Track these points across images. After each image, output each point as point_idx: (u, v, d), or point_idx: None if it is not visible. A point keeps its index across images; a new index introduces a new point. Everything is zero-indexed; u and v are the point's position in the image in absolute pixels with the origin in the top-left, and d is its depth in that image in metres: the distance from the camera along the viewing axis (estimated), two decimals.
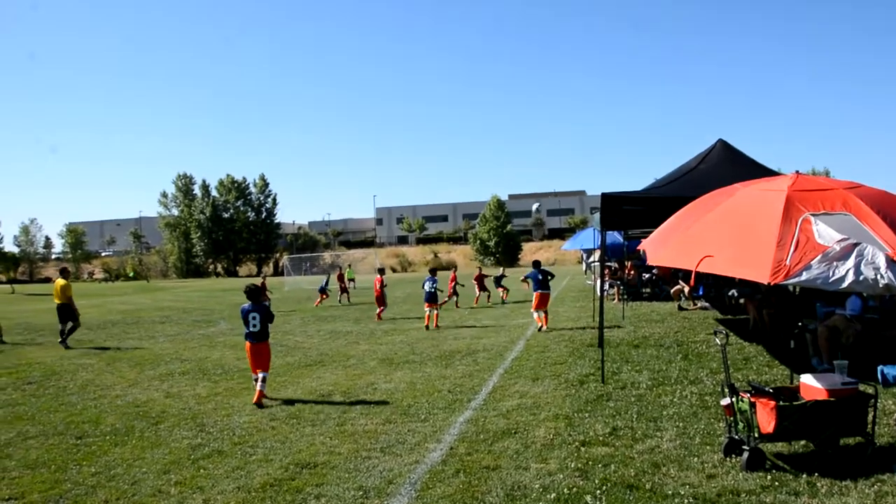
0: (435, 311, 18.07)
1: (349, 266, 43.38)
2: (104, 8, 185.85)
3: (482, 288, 25.82)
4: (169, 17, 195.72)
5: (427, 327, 17.65)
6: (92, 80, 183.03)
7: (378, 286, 21.11)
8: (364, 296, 31.22)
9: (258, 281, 25.86)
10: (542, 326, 15.90)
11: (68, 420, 8.74)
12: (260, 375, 9.39)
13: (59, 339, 16.66)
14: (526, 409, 8.20)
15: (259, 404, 9.07)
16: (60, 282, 17.21)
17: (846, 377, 5.98)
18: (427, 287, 18.43)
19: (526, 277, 17.60)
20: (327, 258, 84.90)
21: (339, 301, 29.36)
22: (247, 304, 9.69)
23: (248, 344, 9.66)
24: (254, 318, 9.54)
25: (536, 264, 16.99)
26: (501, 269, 32.38)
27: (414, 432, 7.40)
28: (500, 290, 26.88)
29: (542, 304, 16.19)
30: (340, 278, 30.85)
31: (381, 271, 22.61)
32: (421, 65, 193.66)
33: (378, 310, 20.92)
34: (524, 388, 9.45)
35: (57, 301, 16.87)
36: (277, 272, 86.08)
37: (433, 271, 19.56)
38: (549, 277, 16.56)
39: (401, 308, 23.57)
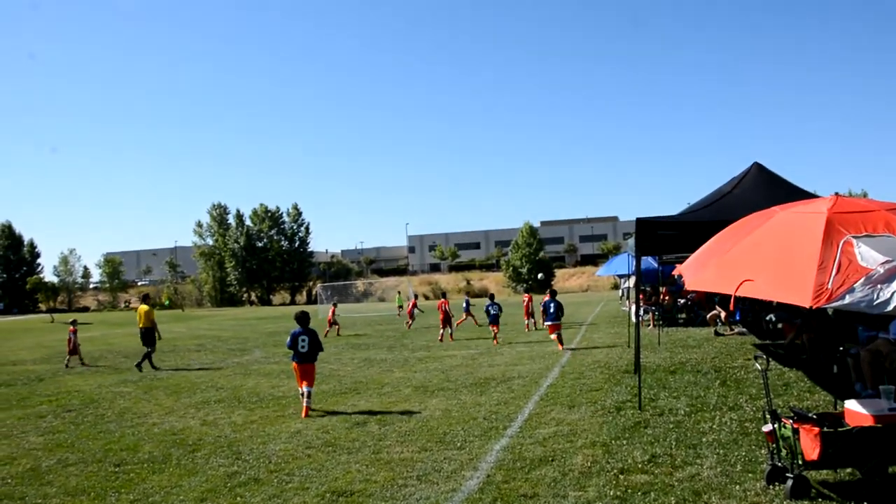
0: (495, 330, 20.59)
1: (398, 293, 44.41)
2: (146, 34, 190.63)
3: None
4: (204, 50, 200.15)
5: (497, 343, 20.13)
6: (127, 110, 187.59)
7: (444, 309, 22.64)
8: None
9: (329, 308, 26.91)
10: (562, 349, 17.16)
11: (107, 447, 8.84)
12: (305, 390, 10.43)
13: (136, 363, 17.50)
14: (563, 437, 8.11)
15: (307, 415, 10.19)
16: (144, 307, 18.22)
17: (893, 403, 5.82)
18: (491, 311, 20.75)
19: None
20: (360, 286, 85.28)
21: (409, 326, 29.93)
22: (297, 328, 10.72)
23: (295, 364, 10.78)
24: (303, 340, 10.65)
25: (552, 294, 18.62)
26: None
27: (450, 460, 7.36)
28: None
29: (553, 329, 17.90)
30: (415, 305, 31.97)
31: (444, 294, 25.63)
32: (453, 92, 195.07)
33: (441, 332, 22.25)
34: (560, 416, 9.36)
35: (140, 326, 17.88)
36: (311, 300, 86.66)
37: (492, 297, 22.25)
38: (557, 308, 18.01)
39: (434, 334, 23.55)
